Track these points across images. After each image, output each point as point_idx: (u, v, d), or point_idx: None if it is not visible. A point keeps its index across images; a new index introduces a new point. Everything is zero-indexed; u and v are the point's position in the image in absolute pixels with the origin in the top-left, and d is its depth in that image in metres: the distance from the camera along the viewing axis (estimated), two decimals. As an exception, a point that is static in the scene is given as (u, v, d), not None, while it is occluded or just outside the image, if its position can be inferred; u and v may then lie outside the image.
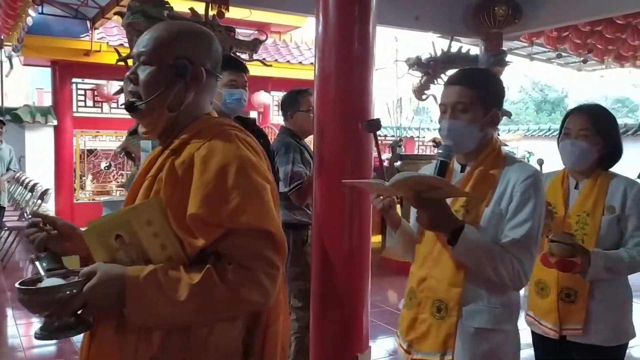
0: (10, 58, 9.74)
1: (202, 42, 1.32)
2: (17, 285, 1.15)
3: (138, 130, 1.34)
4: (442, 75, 8.29)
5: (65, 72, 9.81)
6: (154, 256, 1.19)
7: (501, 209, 1.58)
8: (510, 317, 1.64)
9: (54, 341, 3.47)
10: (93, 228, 1.22)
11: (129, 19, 6.02)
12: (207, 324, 1.20)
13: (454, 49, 8.31)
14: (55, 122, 9.62)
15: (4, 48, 9.42)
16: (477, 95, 1.61)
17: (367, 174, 2.68)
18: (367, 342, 2.81)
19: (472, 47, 8.62)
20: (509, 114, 8.75)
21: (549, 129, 14.30)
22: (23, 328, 4.51)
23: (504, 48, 8.35)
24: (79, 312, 1.17)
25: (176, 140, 1.27)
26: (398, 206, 1.75)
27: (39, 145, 9.69)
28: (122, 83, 5.92)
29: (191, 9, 6.59)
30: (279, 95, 11.64)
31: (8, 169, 7.07)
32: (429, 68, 8.06)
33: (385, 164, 8.06)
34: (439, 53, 8.24)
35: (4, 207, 7.15)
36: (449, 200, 1.62)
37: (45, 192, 7.26)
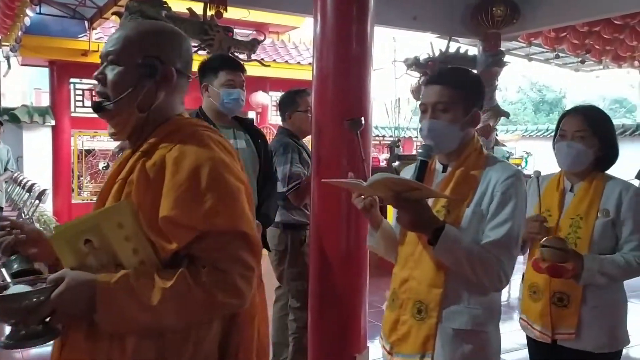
0: (7, 58, 9.72)
1: (172, 41, 1.29)
2: None
3: (108, 132, 1.30)
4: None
5: (63, 72, 9.80)
6: (125, 260, 1.16)
7: (482, 209, 1.57)
8: (491, 319, 1.63)
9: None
10: (61, 232, 1.19)
11: (127, 19, 6.02)
12: (181, 329, 1.17)
13: (452, 50, 8.32)
14: (53, 122, 9.61)
15: (1, 48, 9.40)
16: (457, 95, 1.60)
17: (365, 174, 2.67)
18: (364, 342, 2.81)
19: (470, 48, 8.63)
20: (507, 114, 8.78)
21: (547, 130, 14.31)
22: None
23: (502, 48, 8.36)
24: (47, 319, 1.13)
25: (147, 142, 1.24)
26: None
27: (36, 146, 9.67)
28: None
29: (189, 9, 6.60)
30: (277, 95, 11.63)
31: (6, 169, 7.06)
32: (427, 68, 8.07)
33: (384, 164, 8.06)
34: (437, 53, 8.25)
35: (2, 208, 7.13)
36: (430, 201, 1.62)
37: (42, 193, 7.25)
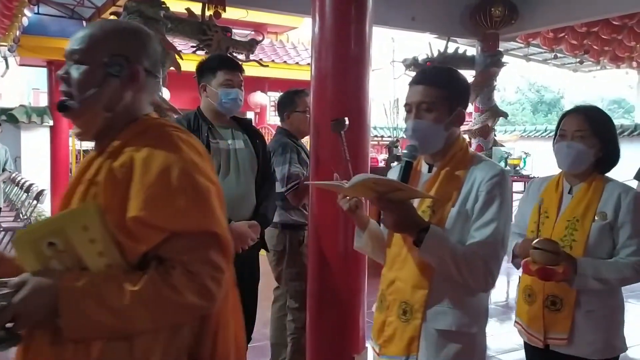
0: (6, 58, 9.71)
1: (139, 40, 1.27)
2: None
3: (74, 132, 1.28)
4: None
5: (61, 72, 9.77)
6: (91, 264, 1.12)
7: (467, 210, 1.55)
8: (477, 320, 1.60)
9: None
10: (23, 235, 1.14)
11: (126, 19, 6.02)
12: (150, 332, 1.14)
13: (450, 50, 8.34)
14: (51, 123, 9.60)
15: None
16: (441, 95, 1.58)
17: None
18: (363, 343, 2.81)
19: (468, 48, 8.64)
20: (505, 115, 8.80)
21: (545, 130, 14.33)
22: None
23: (500, 49, 8.38)
24: (9, 325, 1.09)
25: (114, 142, 1.21)
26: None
27: (34, 146, 9.67)
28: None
29: (188, 9, 6.60)
30: (275, 95, 11.63)
31: (4, 170, 7.04)
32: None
33: (382, 164, 8.07)
34: (435, 54, 8.26)
35: (0, 208, 7.12)
36: (415, 201, 1.60)
37: (40, 193, 7.24)
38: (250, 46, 6.93)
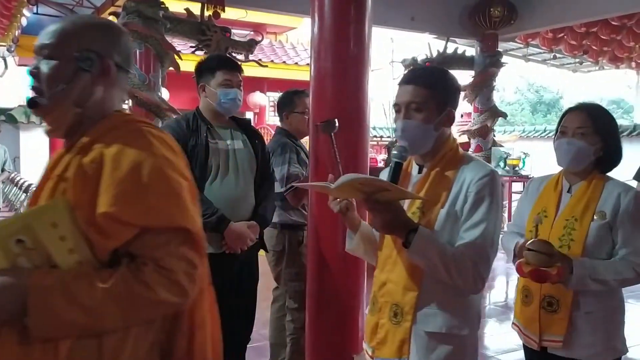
0: (4, 58, 9.70)
1: (109, 35, 1.25)
2: None
3: (44, 129, 1.27)
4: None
5: (60, 72, 9.76)
6: (60, 261, 1.10)
7: (456, 210, 1.53)
8: (467, 322, 1.58)
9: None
10: None
11: (125, 19, 6.02)
12: (120, 330, 1.12)
13: (449, 50, 8.34)
14: (50, 123, 9.57)
15: (-2, 48, 9.39)
16: (430, 94, 1.57)
17: (363, 174, 2.67)
18: (362, 343, 2.80)
19: (467, 48, 8.65)
20: (504, 115, 8.80)
21: (545, 130, 14.34)
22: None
23: (499, 49, 8.38)
24: None
25: (84, 138, 1.19)
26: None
27: (33, 146, 9.67)
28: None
29: (187, 10, 6.60)
30: (274, 96, 11.64)
31: (3, 170, 7.04)
32: (425, 69, 8.07)
33: (381, 164, 8.07)
34: (434, 54, 8.26)
35: (-1, 208, 7.12)
36: (406, 203, 1.59)
37: (39, 193, 7.22)
38: (249, 46, 6.93)
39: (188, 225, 1.15)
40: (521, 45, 9.56)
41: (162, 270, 1.11)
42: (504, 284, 6.02)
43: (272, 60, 11.05)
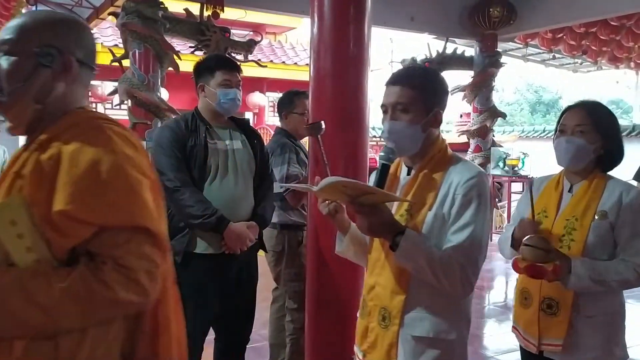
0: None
1: (71, 30, 1.23)
2: None
3: (6, 127, 1.23)
4: (437, 77, 8.31)
5: (59, 72, 9.76)
6: (18, 259, 1.08)
7: (444, 213, 1.50)
8: (455, 327, 1.55)
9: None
10: None
11: (124, 19, 6.03)
12: (78, 330, 1.11)
13: (449, 50, 8.34)
14: (49, 123, 9.56)
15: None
16: (416, 95, 1.54)
17: (362, 174, 2.67)
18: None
19: (467, 49, 8.65)
20: (503, 115, 8.80)
21: (544, 130, 14.36)
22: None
23: (498, 49, 8.39)
24: None
25: (43, 135, 1.17)
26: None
27: (32, 146, 9.63)
28: (116, 84, 5.90)
29: (186, 10, 6.59)
30: (274, 96, 11.63)
31: (2, 170, 7.03)
32: (424, 69, 8.08)
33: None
34: (434, 54, 8.27)
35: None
36: (394, 205, 1.57)
37: (39, 193, 7.22)
38: (248, 46, 6.93)
39: (147, 224, 1.14)
40: (520, 46, 9.56)
41: (121, 269, 1.10)
42: (503, 284, 6.02)
43: (271, 61, 11.05)
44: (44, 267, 1.09)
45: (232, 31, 6.96)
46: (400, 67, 7.74)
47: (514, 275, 1.91)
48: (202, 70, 2.52)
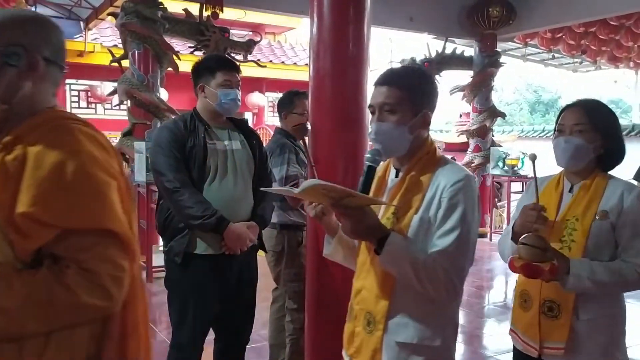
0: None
1: (38, 29, 1.21)
2: None
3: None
4: (437, 77, 8.33)
5: (58, 73, 9.76)
6: None
7: (430, 216, 1.47)
8: (441, 333, 1.51)
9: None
10: None
11: (123, 19, 6.03)
12: (42, 334, 1.09)
13: (448, 50, 8.35)
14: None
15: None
16: (404, 96, 1.51)
17: (362, 175, 2.67)
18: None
19: (466, 48, 8.66)
20: (503, 115, 8.81)
21: (543, 130, 14.37)
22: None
23: (498, 49, 8.39)
24: None
25: (9, 135, 1.14)
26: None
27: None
28: (116, 84, 5.90)
29: (185, 10, 6.59)
30: (273, 96, 11.64)
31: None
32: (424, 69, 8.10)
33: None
34: (433, 54, 8.27)
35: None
36: (381, 208, 1.54)
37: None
38: (248, 47, 6.94)
39: (113, 227, 1.12)
40: (520, 45, 9.58)
41: (85, 273, 1.08)
42: (503, 284, 6.02)
43: (270, 61, 11.05)
44: (6, 270, 1.07)
45: (232, 31, 6.96)
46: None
47: (514, 275, 1.88)
48: (202, 70, 2.51)
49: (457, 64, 8.43)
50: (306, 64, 2.89)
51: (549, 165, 2.10)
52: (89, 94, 10.17)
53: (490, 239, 8.31)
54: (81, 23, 8.99)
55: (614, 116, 1.91)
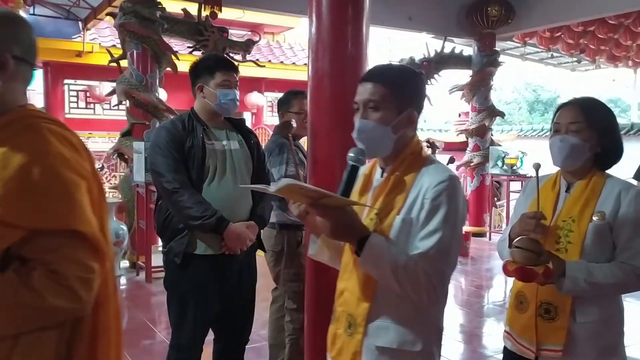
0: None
1: (7, 26, 1.19)
2: None
3: None
4: (436, 76, 8.33)
5: (57, 73, 9.77)
6: None
7: (412, 218, 1.42)
8: (421, 338, 1.46)
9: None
10: None
11: (121, 19, 6.02)
12: (9, 337, 1.08)
13: (447, 50, 8.35)
14: (47, 124, 9.55)
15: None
16: (388, 93, 1.47)
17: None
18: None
19: (465, 48, 8.66)
20: (502, 114, 8.81)
21: (542, 129, 14.37)
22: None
23: (496, 48, 8.39)
24: None
25: None
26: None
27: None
28: (114, 84, 5.89)
29: (184, 10, 6.59)
30: (272, 96, 11.63)
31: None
32: (423, 68, 8.09)
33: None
34: (432, 53, 8.27)
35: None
36: (365, 209, 1.51)
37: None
38: (246, 46, 6.93)
39: (81, 228, 1.10)
40: (518, 45, 9.58)
41: (52, 274, 1.06)
42: (502, 284, 6.02)
43: (269, 61, 11.03)
44: None
45: (230, 31, 6.95)
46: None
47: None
48: (201, 70, 2.51)
49: (456, 64, 8.43)
50: (305, 64, 2.89)
51: (548, 164, 2.09)
52: (88, 94, 10.15)
53: (490, 238, 8.31)
54: (79, 23, 8.98)
55: (611, 114, 1.87)
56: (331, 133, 2.61)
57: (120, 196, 6.80)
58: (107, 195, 9.94)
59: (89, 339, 1.17)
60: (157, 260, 5.45)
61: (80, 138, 1.24)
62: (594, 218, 1.74)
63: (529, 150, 9.31)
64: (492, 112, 8.56)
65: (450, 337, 4.18)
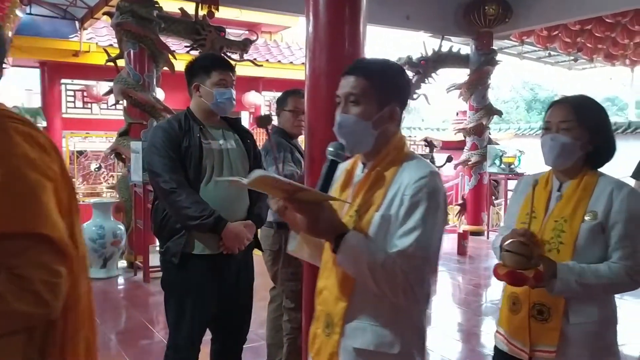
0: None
1: None
2: None
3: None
4: (434, 75, 8.33)
5: (54, 73, 9.75)
6: None
7: (391, 215, 1.37)
8: (400, 340, 1.41)
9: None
10: None
11: (118, 19, 6.01)
12: None
13: (444, 49, 8.36)
14: (44, 124, 9.55)
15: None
16: (369, 86, 1.42)
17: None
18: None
19: (462, 47, 8.66)
20: (499, 113, 8.82)
21: (540, 128, 14.34)
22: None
23: (494, 47, 8.40)
24: None
25: None
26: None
27: (28, 147, 9.60)
28: (111, 84, 5.86)
29: (181, 9, 6.57)
30: (269, 95, 11.63)
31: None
32: (420, 67, 8.10)
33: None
34: (429, 52, 8.27)
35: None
36: (345, 205, 1.46)
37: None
38: (244, 46, 6.93)
39: (47, 231, 1.07)
40: (516, 43, 9.58)
41: (16, 279, 1.03)
42: (500, 282, 6.01)
43: (267, 60, 11.03)
44: None
45: (228, 30, 6.94)
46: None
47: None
48: (197, 69, 2.50)
49: (453, 62, 8.43)
50: (302, 63, 2.89)
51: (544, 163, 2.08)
52: (85, 93, 10.14)
53: (488, 237, 8.32)
54: (76, 22, 8.96)
55: (603, 112, 1.83)
56: (328, 132, 2.61)
57: (117, 196, 6.79)
58: (77, 195, 9.91)
59: (60, 343, 1.15)
60: (154, 260, 5.44)
61: (49, 138, 1.20)
62: (586, 218, 1.72)
63: (527, 148, 9.32)
64: (489, 111, 8.57)
65: (448, 336, 4.19)
